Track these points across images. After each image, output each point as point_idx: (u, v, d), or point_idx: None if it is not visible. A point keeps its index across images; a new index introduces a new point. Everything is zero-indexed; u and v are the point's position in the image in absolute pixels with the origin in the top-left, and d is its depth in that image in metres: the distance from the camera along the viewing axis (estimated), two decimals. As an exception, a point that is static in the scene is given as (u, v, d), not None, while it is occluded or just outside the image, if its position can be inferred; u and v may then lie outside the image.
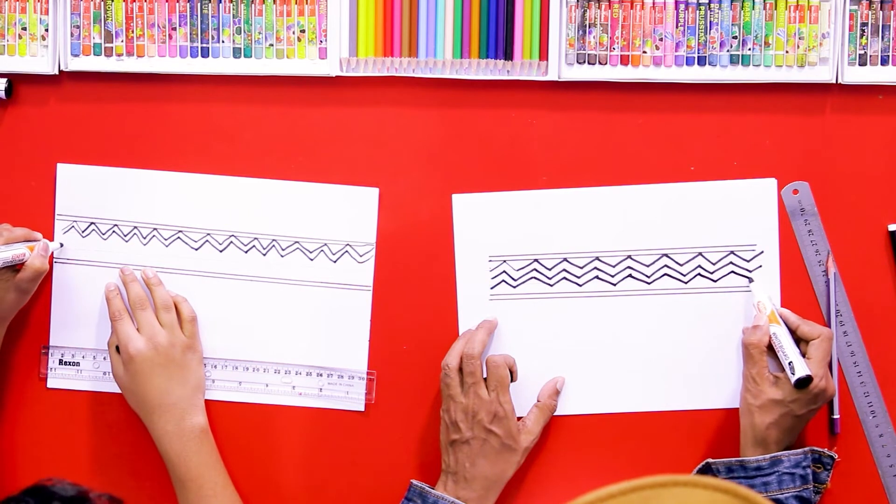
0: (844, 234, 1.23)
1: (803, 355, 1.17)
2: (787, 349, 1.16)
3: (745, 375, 1.18)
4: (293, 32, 1.24)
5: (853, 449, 1.23)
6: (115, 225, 1.26)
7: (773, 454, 1.16)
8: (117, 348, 1.22)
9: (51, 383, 1.28)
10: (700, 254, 1.23)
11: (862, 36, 1.21)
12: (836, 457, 1.21)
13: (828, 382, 1.17)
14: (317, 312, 1.25)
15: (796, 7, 1.21)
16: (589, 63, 1.22)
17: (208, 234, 1.26)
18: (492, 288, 1.24)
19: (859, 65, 1.21)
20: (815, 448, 1.20)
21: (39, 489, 0.86)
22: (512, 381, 1.21)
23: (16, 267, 1.20)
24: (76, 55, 1.25)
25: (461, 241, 1.24)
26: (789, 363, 1.15)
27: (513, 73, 1.23)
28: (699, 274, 1.23)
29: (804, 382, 1.14)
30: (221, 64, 1.24)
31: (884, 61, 1.21)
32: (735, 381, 1.23)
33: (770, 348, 1.18)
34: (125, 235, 1.26)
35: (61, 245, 1.26)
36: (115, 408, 1.26)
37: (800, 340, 1.19)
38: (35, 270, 1.21)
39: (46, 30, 1.25)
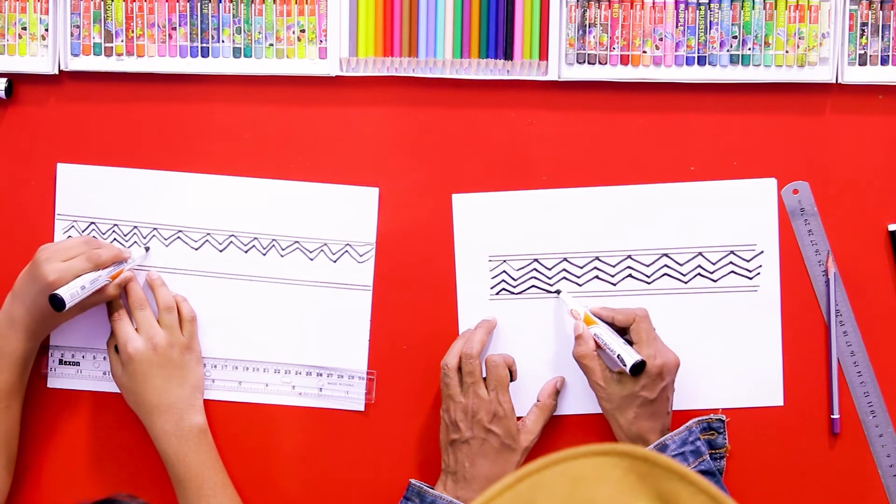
0: (844, 234, 1.23)
1: (631, 343, 1.17)
2: (612, 344, 1.16)
3: (592, 385, 1.17)
4: (293, 32, 1.24)
5: (853, 449, 1.23)
6: (115, 225, 1.26)
7: (657, 442, 1.15)
8: (116, 348, 1.22)
9: (51, 383, 1.27)
10: (700, 254, 1.23)
11: (862, 36, 1.21)
12: (724, 418, 1.20)
13: (664, 356, 1.16)
14: (317, 312, 1.25)
15: (796, 7, 1.21)
16: (589, 63, 1.22)
17: (208, 234, 1.26)
18: (492, 288, 1.24)
19: (859, 65, 1.21)
20: (700, 418, 1.19)
21: (110, 501, 0.88)
22: (511, 380, 1.21)
23: None
24: (76, 55, 1.25)
25: (461, 241, 1.24)
26: (618, 356, 1.14)
27: (513, 73, 1.23)
28: (699, 274, 1.23)
29: (639, 368, 1.14)
30: (221, 64, 1.24)
31: (884, 61, 1.21)
32: (736, 381, 1.23)
33: (601, 349, 1.18)
34: (125, 235, 1.26)
35: (147, 249, 1.25)
36: (115, 408, 1.26)
37: (623, 330, 1.19)
38: (107, 298, 1.20)
39: (46, 30, 1.25)
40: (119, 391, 1.24)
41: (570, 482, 0.66)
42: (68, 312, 1.18)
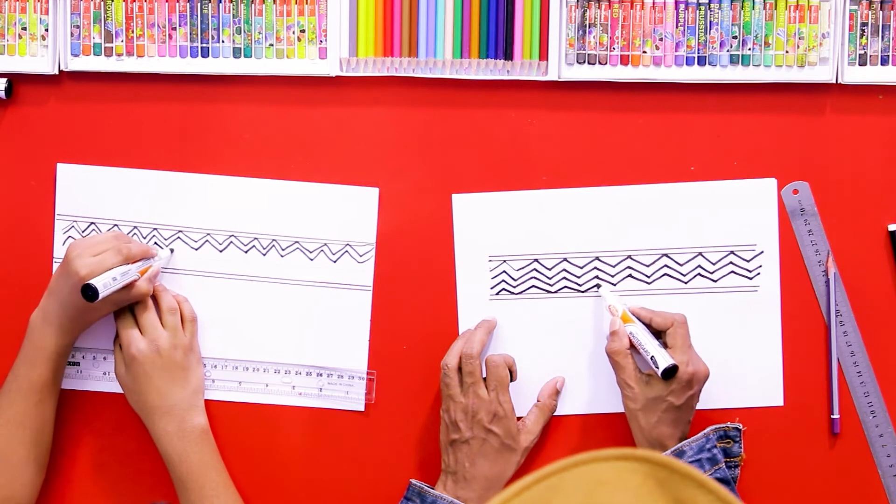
0: (844, 234, 1.23)
1: (665, 346, 1.17)
2: (647, 345, 1.15)
3: (619, 382, 1.17)
4: (293, 32, 1.24)
5: (853, 449, 1.23)
6: (115, 225, 1.26)
7: (674, 448, 1.15)
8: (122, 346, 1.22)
9: (51, 383, 1.27)
10: (700, 254, 1.23)
11: (862, 36, 1.21)
12: (741, 427, 1.20)
13: (696, 365, 1.16)
14: (317, 312, 1.25)
15: (796, 7, 1.21)
16: (589, 63, 1.22)
17: (208, 234, 1.26)
18: (492, 288, 1.24)
19: (859, 65, 1.21)
20: (718, 425, 1.19)
21: None
22: (511, 380, 1.21)
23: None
24: (76, 55, 1.25)
25: (461, 241, 1.24)
26: (651, 357, 1.14)
27: (513, 73, 1.23)
28: (699, 274, 1.23)
29: (670, 372, 1.13)
30: (221, 64, 1.24)
31: (884, 61, 1.21)
32: (736, 381, 1.23)
33: (634, 348, 1.18)
34: (125, 235, 1.26)
35: (172, 251, 1.25)
36: (115, 408, 1.26)
37: (659, 332, 1.19)
38: (140, 294, 1.20)
39: (46, 30, 1.25)
40: (120, 391, 1.24)
41: (589, 486, 0.65)
42: (101, 309, 1.19)
